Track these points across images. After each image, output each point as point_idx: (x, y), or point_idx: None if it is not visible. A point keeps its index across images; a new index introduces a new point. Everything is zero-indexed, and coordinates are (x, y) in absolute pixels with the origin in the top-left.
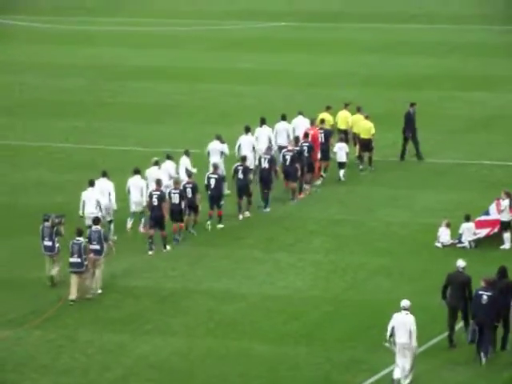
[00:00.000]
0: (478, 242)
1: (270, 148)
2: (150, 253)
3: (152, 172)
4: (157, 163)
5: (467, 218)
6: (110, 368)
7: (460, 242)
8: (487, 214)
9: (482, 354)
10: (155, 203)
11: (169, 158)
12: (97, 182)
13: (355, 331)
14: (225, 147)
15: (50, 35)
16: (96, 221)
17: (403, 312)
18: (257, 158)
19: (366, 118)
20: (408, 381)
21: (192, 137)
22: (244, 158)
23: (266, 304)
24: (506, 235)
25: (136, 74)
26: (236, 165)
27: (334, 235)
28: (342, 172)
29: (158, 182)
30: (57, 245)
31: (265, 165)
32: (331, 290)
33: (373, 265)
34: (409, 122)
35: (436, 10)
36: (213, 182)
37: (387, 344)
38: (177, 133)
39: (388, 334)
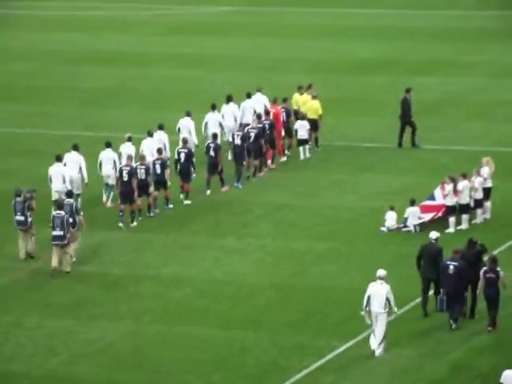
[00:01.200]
0: (423, 226)
1: (242, 125)
2: (120, 224)
3: (125, 148)
4: (130, 139)
5: (412, 203)
6: (58, 353)
7: (405, 226)
8: (432, 198)
9: (451, 321)
10: (125, 178)
11: (160, 128)
12: (67, 156)
13: (302, 316)
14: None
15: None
16: (68, 194)
17: (378, 281)
18: (225, 134)
19: (314, 98)
20: (381, 349)
21: (139, 121)
22: (215, 136)
23: (213, 289)
24: (451, 219)
25: (84, 59)
26: (208, 142)
27: (280, 220)
28: (302, 149)
29: (129, 158)
30: (29, 219)
31: (237, 141)
32: (278, 275)
33: (319, 250)
34: (405, 109)
35: None
36: (182, 156)
37: (363, 313)
38: (124, 117)
39: (364, 303)
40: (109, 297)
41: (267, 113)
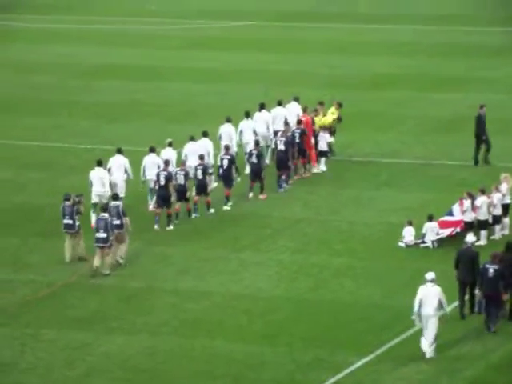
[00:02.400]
0: (441, 242)
1: (286, 131)
2: (156, 227)
3: (166, 153)
4: (170, 144)
5: (430, 218)
6: (74, 366)
7: (423, 241)
8: (451, 214)
9: (490, 324)
10: (162, 183)
11: (205, 135)
12: (112, 160)
13: (319, 331)
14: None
15: (16, 33)
16: (114, 197)
17: (428, 284)
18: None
19: (316, 111)
20: (432, 349)
21: (156, 135)
22: (257, 143)
23: (230, 303)
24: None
25: (100, 72)
26: (250, 149)
27: (298, 235)
28: (322, 160)
29: (166, 162)
30: (77, 223)
31: (281, 147)
32: (295, 289)
33: (337, 265)
34: (480, 125)
35: (400, 11)
36: (225, 162)
37: (414, 317)
38: (141, 131)
39: (416, 307)
40: (126, 310)
41: (299, 122)
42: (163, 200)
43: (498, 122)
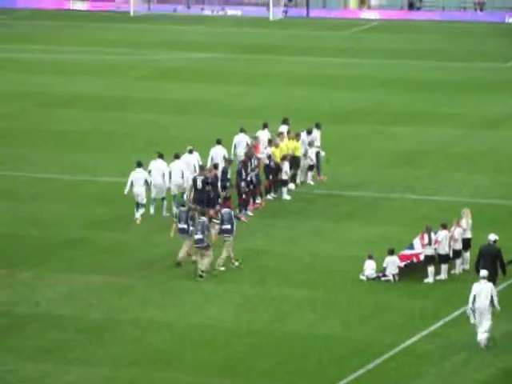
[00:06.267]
0: (402, 276)
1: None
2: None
3: (187, 159)
4: (191, 151)
5: (391, 252)
6: None
7: (384, 275)
8: (411, 247)
9: None
10: (199, 186)
11: (218, 143)
12: (153, 163)
13: (279, 363)
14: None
15: None
16: (226, 199)
17: (482, 281)
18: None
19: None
20: (485, 336)
21: (118, 166)
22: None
23: (191, 334)
24: (430, 269)
25: (63, 102)
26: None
27: (259, 266)
28: (284, 190)
29: (202, 167)
30: (191, 228)
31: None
32: (256, 321)
33: (298, 297)
34: None
35: (362, 46)
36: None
37: (469, 311)
38: (103, 161)
39: (470, 303)
40: (86, 341)
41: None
42: (201, 203)
43: (456, 157)
